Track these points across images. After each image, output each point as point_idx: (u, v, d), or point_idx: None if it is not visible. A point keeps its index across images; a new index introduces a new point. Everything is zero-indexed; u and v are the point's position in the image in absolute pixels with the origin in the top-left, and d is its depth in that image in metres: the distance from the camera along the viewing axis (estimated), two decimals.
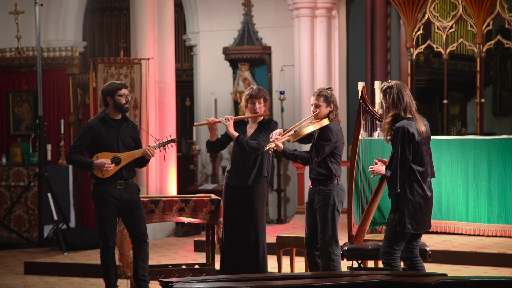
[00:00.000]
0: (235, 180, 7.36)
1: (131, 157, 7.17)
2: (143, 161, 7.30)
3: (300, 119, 13.06)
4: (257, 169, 7.28)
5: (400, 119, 6.06)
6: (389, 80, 6.23)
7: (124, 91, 7.17)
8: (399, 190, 6.01)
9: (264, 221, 7.40)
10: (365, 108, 6.84)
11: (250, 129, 7.35)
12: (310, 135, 6.85)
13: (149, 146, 7.22)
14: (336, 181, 6.87)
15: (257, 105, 7.26)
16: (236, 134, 7.22)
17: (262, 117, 7.35)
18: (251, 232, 7.30)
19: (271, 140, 6.71)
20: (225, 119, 7.25)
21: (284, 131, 6.89)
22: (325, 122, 6.80)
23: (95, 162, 7.08)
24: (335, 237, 6.83)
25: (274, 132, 6.85)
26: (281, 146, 6.69)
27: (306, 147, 7.07)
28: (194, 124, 7.63)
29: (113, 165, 7.09)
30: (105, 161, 7.06)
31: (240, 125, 7.39)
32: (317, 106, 6.81)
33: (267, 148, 6.63)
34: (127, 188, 7.20)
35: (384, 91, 6.13)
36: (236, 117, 7.38)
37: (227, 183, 7.43)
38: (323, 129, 6.79)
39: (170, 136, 7.48)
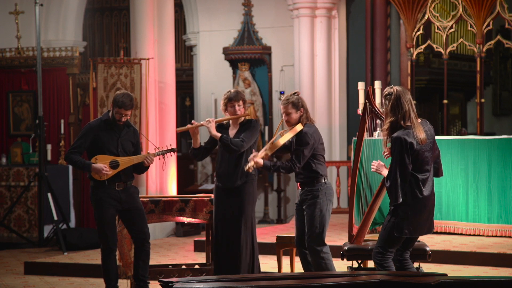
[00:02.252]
0: (224, 182, 7.39)
1: (129, 163, 7.18)
2: (142, 168, 7.30)
3: None
4: (242, 169, 7.29)
5: (398, 127, 6.04)
6: (391, 86, 6.21)
7: (123, 111, 7.11)
8: (400, 200, 5.99)
9: (253, 220, 7.41)
10: (371, 109, 6.85)
11: (232, 131, 7.41)
12: (289, 143, 6.91)
13: (148, 153, 7.23)
14: (323, 180, 6.89)
15: (237, 107, 7.33)
16: (219, 134, 7.28)
17: (242, 118, 7.40)
18: (240, 232, 7.31)
19: (249, 159, 6.78)
20: (206, 121, 7.29)
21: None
22: (299, 127, 6.86)
23: (93, 165, 7.08)
24: (321, 235, 6.84)
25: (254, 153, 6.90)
26: (261, 162, 6.76)
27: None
28: (177, 129, 7.65)
29: (111, 171, 7.09)
30: (103, 166, 7.06)
31: (222, 129, 7.44)
32: (287, 113, 6.88)
33: (247, 167, 6.72)
34: (126, 190, 7.20)
35: (385, 97, 6.13)
36: (218, 119, 7.44)
37: (216, 185, 7.47)
38: (298, 135, 6.84)
39: (171, 145, 7.51)
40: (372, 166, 6.27)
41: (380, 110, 6.92)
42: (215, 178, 7.54)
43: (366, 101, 6.89)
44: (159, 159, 7.36)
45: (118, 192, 7.15)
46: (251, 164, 6.73)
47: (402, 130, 6.01)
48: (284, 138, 6.81)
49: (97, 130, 7.18)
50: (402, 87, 6.22)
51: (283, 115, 6.93)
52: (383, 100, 6.17)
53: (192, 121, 7.39)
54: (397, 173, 5.97)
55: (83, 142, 7.19)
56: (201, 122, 7.32)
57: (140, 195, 7.42)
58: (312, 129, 6.89)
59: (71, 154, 7.18)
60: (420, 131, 6.02)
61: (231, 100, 7.33)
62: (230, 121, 7.44)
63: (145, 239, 7.24)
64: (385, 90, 6.19)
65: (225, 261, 7.35)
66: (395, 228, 6.03)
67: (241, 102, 7.34)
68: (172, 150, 7.33)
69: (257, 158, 6.76)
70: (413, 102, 6.16)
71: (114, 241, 7.19)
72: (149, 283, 7.31)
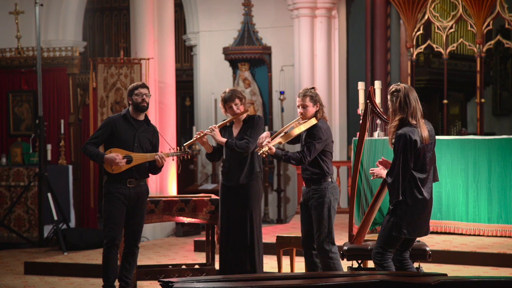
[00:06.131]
0: (229, 179, 7.42)
1: (142, 159, 7.20)
2: (155, 168, 7.31)
3: None
4: (248, 166, 7.35)
5: (406, 124, 6.05)
6: (398, 83, 6.21)
7: (140, 90, 7.23)
8: (400, 197, 5.99)
9: (260, 218, 7.44)
10: (372, 109, 6.85)
11: (236, 129, 7.47)
12: (298, 135, 6.92)
13: (161, 152, 7.25)
14: (330, 179, 6.89)
15: (234, 107, 7.39)
16: (224, 140, 7.35)
17: (244, 115, 7.43)
18: (247, 230, 7.32)
19: (263, 144, 6.78)
20: (210, 129, 7.37)
21: (271, 134, 6.96)
22: (314, 121, 6.88)
23: (106, 156, 7.12)
24: (331, 235, 6.85)
25: (262, 135, 6.91)
26: (273, 149, 6.77)
27: (297, 147, 7.12)
28: (184, 144, 7.73)
29: (124, 161, 7.11)
30: (116, 155, 7.09)
31: (226, 127, 7.48)
32: (303, 106, 6.90)
33: (261, 152, 6.72)
34: (137, 188, 7.22)
35: (392, 94, 6.12)
36: (220, 124, 7.50)
37: (222, 183, 7.50)
38: (312, 128, 6.85)
39: (186, 148, 7.51)
40: (371, 174, 6.26)
41: (381, 110, 6.92)
42: (220, 176, 7.56)
43: (368, 101, 6.88)
44: (173, 159, 7.40)
45: (129, 189, 7.18)
46: (265, 149, 6.71)
47: (407, 127, 6.02)
48: (299, 129, 6.82)
49: (115, 123, 7.23)
50: (408, 85, 6.22)
51: (299, 107, 6.92)
52: (389, 97, 6.16)
53: (197, 133, 7.42)
54: (400, 170, 5.97)
55: (101, 134, 7.24)
56: (205, 131, 7.37)
57: None
58: (325, 125, 6.92)
59: (87, 145, 7.22)
60: (424, 129, 6.05)
61: (226, 101, 7.41)
62: (234, 120, 7.48)
63: (135, 244, 7.28)
64: (391, 86, 6.18)
65: (232, 261, 7.35)
66: (394, 228, 6.03)
67: (237, 101, 7.38)
68: (185, 152, 7.37)
69: (271, 144, 6.77)
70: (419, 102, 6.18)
71: (118, 236, 7.20)
72: (131, 286, 7.30)
